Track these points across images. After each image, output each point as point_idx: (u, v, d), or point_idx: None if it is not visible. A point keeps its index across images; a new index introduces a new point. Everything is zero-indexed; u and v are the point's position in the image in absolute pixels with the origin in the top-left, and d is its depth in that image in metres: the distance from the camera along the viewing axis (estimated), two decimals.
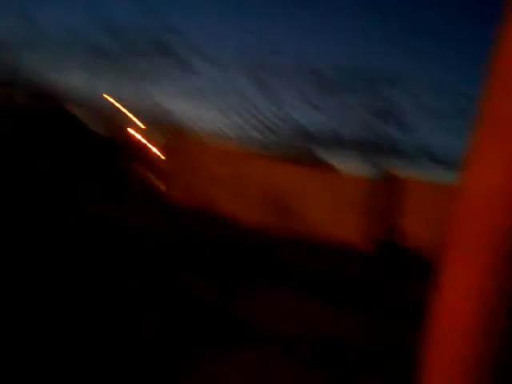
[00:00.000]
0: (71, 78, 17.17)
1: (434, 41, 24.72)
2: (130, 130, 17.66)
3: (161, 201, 13.52)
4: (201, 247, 7.89)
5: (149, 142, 17.21)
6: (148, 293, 5.16)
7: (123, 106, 18.29)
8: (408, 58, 25.29)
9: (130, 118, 18.56)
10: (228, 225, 11.80)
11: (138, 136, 17.34)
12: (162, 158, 15.99)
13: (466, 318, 1.14)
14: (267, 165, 14.41)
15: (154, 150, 17.02)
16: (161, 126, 17.13)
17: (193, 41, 19.82)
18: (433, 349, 1.19)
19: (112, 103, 17.84)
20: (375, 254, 12.71)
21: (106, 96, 17.97)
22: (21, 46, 16.76)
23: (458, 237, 1.22)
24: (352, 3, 23.15)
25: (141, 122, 18.59)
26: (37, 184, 8.71)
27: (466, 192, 1.24)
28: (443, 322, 1.18)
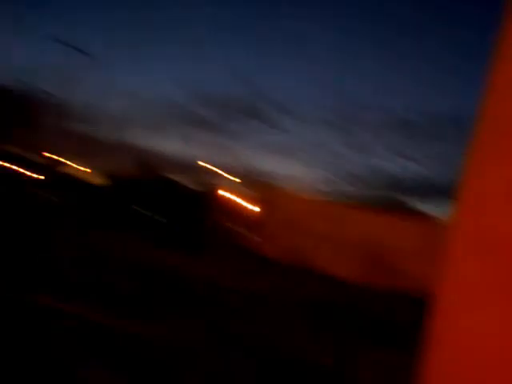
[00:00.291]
0: (170, 145, 18.69)
1: None
2: (224, 188, 18.32)
3: (256, 255, 13.64)
4: (306, 304, 7.76)
5: (243, 199, 17.69)
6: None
7: (217, 167, 19.16)
8: None
9: (223, 176, 19.31)
10: (331, 281, 11.54)
11: (232, 193, 17.91)
12: (256, 212, 16.27)
13: (467, 322, 1.13)
14: (363, 217, 14.10)
15: (248, 205, 17.43)
16: (253, 182, 17.59)
17: (281, 101, 20.49)
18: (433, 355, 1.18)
19: (206, 166, 18.80)
20: None
21: (200, 162, 18.99)
22: (125, 118, 18.54)
23: (458, 241, 1.22)
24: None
25: (234, 178, 19.26)
26: None
27: (465, 195, 1.24)
28: (443, 324, 1.17)
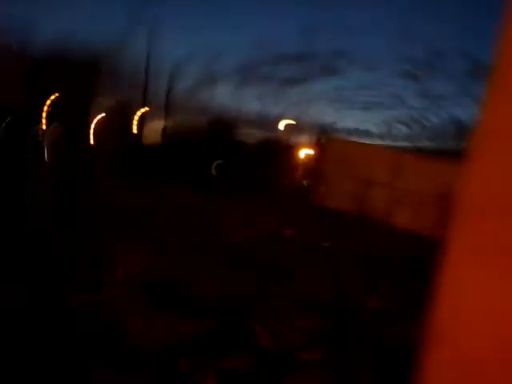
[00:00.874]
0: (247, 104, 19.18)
1: None
2: (296, 143, 18.32)
3: (320, 206, 13.51)
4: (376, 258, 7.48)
5: (302, 145, 17.56)
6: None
7: (291, 123, 19.16)
8: None
9: (295, 131, 19.27)
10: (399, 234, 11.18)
11: (302, 147, 17.86)
12: (321, 164, 16.02)
13: (470, 319, 1.11)
14: (427, 163, 13.43)
15: (307, 151, 17.27)
16: (326, 136, 17.36)
17: (339, 44, 19.73)
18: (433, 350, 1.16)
19: (281, 122, 18.88)
20: None
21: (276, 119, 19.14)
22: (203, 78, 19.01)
23: (461, 235, 1.18)
24: None
25: (294, 126, 19.12)
26: None
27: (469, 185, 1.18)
28: (445, 322, 1.15)
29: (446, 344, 1.15)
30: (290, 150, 17.87)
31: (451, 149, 22.67)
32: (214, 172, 15.75)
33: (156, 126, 18.36)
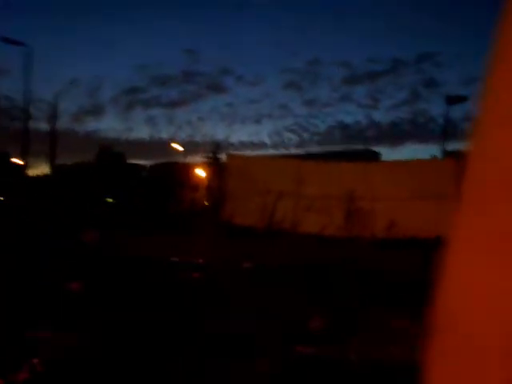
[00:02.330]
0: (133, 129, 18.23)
1: None
2: (188, 163, 17.78)
3: (220, 223, 13.07)
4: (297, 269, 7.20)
5: (198, 167, 17.10)
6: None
7: (180, 143, 18.54)
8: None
9: (186, 151, 18.72)
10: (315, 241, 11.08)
11: (196, 167, 17.33)
12: (222, 182, 15.64)
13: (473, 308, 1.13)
14: (335, 169, 13.61)
15: (203, 173, 16.84)
16: (218, 152, 17.07)
17: (222, 61, 19.75)
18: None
19: (170, 144, 18.16)
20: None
21: (165, 140, 18.37)
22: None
23: (464, 224, 1.15)
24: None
25: (184, 148, 18.64)
26: None
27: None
28: (449, 311, 1.16)
29: (450, 332, 1.15)
30: (186, 171, 17.30)
31: (339, 151, 23.59)
32: (106, 205, 14.72)
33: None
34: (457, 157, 12.94)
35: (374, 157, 18.83)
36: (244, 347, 4.00)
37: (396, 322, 5.12)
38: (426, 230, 11.82)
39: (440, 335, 1.19)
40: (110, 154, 17.07)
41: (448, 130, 16.84)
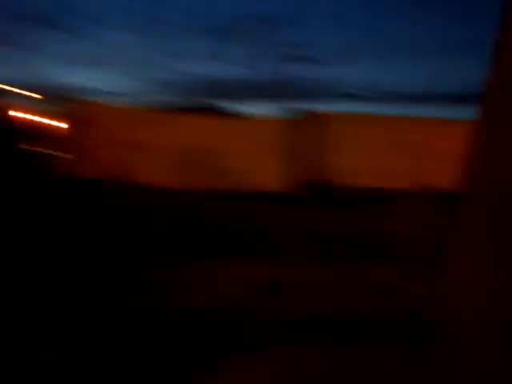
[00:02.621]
0: None
1: None
2: (23, 108, 15.99)
3: (69, 175, 12.22)
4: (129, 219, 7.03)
5: (47, 116, 15.59)
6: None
7: (14, 86, 16.56)
8: None
9: (20, 94, 16.83)
10: (151, 192, 10.89)
11: (35, 113, 15.70)
12: (64, 129, 14.45)
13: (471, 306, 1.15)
14: (180, 121, 13.45)
15: (54, 122, 15.43)
16: (58, 98, 15.59)
17: (77, 6, 18.00)
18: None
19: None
20: (304, 196, 12.41)
21: None
22: None
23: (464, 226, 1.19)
24: None
25: (34, 94, 16.90)
26: None
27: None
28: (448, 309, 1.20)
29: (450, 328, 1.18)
30: (26, 121, 15.61)
31: (187, 105, 23.39)
32: None
33: None
34: (303, 116, 13.66)
35: (222, 112, 18.95)
36: None
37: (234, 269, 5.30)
38: (269, 183, 12.48)
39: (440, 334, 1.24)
40: None
41: (296, 90, 17.66)
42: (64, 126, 14.58)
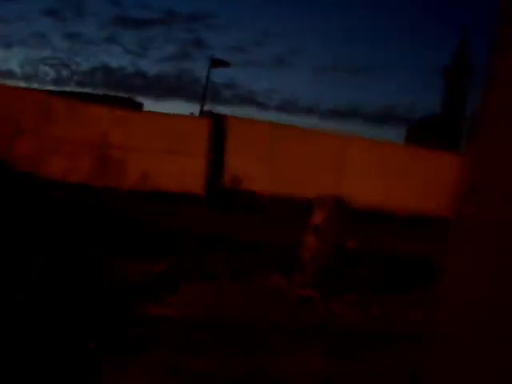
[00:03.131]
0: None
1: None
2: None
3: None
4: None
5: None
6: None
7: None
8: None
9: None
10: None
11: None
12: None
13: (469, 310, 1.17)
14: (89, 112, 12.72)
15: None
16: None
17: None
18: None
19: None
20: (208, 197, 12.44)
21: None
22: None
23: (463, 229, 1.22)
24: None
25: None
26: None
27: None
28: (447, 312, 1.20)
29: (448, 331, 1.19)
30: None
31: (99, 95, 22.59)
32: None
33: None
34: (212, 117, 13.66)
35: (136, 107, 18.43)
36: None
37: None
38: (177, 184, 12.30)
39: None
40: None
41: (208, 92, 17.62)
42: None
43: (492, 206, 1.21)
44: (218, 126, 13.20)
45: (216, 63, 17.30)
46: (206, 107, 16.71)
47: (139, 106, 22.09)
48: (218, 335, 3.76)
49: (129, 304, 4.21)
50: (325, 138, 13.47)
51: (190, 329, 3.80)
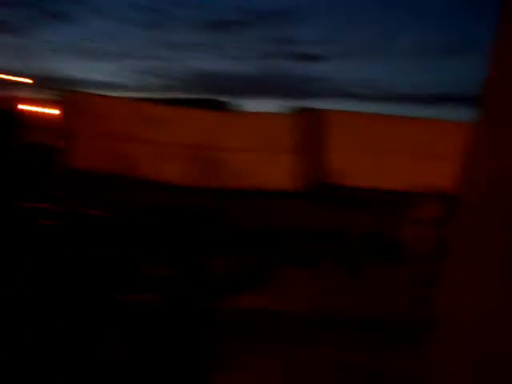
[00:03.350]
0: None
1: None
2: (25, 99, 15.91)
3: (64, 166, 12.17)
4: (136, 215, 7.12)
5: (41, 105, 15.48)
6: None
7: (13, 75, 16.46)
8: None
9: (22, 84, 16.72)
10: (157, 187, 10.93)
11: (36, 104, 15.62)
12: (59, 118, 14.28)
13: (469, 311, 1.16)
14: (187, 117, 13.30)
15: (49, 111, 15.32)
16: (53, 84, 15.52)
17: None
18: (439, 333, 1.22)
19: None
20: (307, 194, 12.47)
21: None
22: None
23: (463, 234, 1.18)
24: None
25: (29, 82, 16.78)
26: None
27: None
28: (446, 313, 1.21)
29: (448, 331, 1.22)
30: (24, 109, 15.54)
31: (199, 99, 23.22)
32: None
33: None
34: (304, 113, 13.65)
35: (223, 107, 18.89)
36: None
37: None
38: (272, 181, 12.49)
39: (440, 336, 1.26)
40: None
41: (300, 87, 17.63)
42: (59, 115, 14.44)
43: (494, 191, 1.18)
44: (314, 121, 13.17)
45: (305, 58, 17.24)
46: (300, 103, 16.72)
47: (226, 105, 22.50)
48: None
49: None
50: (432, 125, 12.97)
51: (310, 322, 3.90)
